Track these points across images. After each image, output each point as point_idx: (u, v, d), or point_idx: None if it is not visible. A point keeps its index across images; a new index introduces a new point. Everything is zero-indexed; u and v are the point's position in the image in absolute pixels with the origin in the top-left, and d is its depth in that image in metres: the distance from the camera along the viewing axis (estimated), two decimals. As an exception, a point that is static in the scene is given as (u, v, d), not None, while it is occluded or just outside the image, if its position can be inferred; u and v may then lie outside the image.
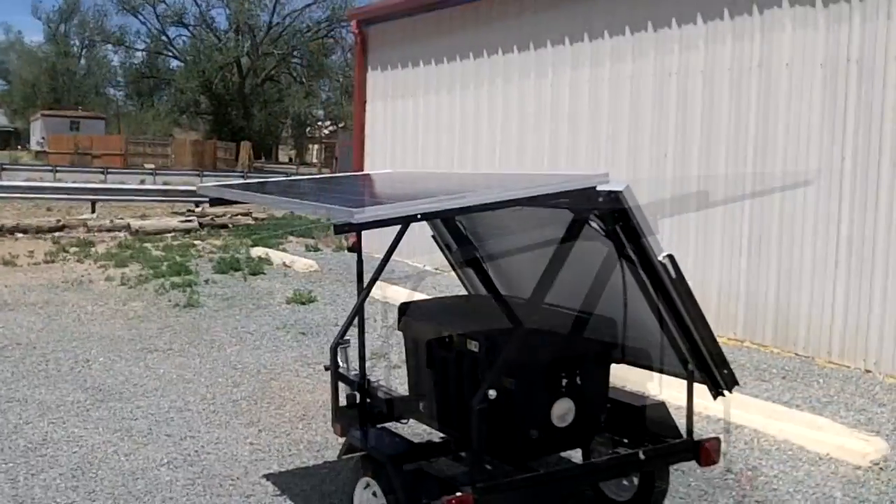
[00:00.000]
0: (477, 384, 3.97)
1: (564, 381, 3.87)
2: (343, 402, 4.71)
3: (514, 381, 3.67)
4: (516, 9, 11.12)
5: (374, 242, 13.90)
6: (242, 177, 39.79)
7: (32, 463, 5.26)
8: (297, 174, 44.33)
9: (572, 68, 10.28)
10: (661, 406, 4.35)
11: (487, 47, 11.66)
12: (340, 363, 5.04)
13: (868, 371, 7.24)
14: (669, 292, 3.85)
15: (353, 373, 4.78)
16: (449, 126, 12.53)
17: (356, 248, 16.33)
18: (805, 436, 5.56)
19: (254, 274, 12.24)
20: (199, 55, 55.79)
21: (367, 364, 4.82)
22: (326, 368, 5.13)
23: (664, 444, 4.11)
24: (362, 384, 4.88)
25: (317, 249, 15.33)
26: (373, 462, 3.84)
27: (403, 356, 4.81)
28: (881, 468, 5.19)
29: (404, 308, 4.50)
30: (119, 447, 5.56)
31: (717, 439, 4.22)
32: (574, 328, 3.95)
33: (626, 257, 3.85)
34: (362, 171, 14.69)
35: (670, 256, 3.77)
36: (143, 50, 64.14)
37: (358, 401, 4.77)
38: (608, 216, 3.72)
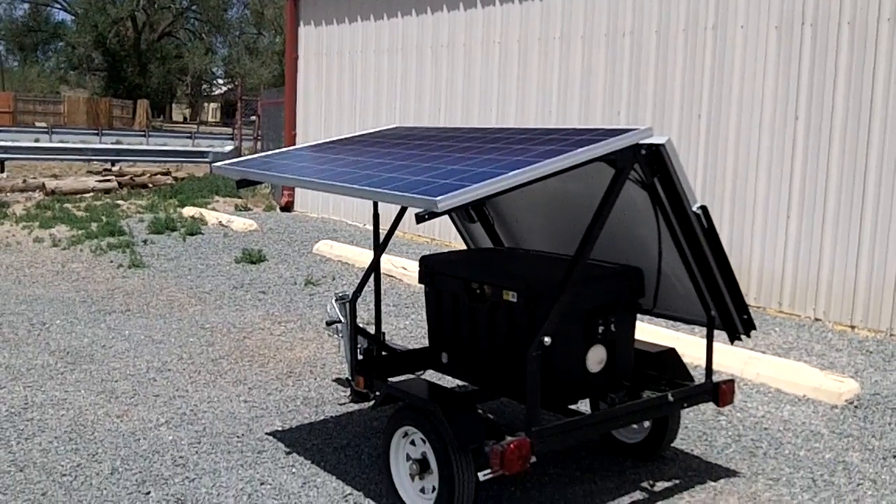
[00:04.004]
0: (514, 333, 4.05)
1: (601, 329, 3.99)
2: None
3: (557, 329, 3.76)
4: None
5: (309, 202, 13.72)
6: (144, 136, 38.48)
7: (21, 427, 5.08)
8: (197, 133, 43.14)
9: (521, 26, 10.34)
10: (674, 352, 4.52)
11: (431, 4, 11.59)
12: (342, 318, 5.06)
13: (818, 319, 7.66)
14: (700, 242, 4.00)
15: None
16: (390, 84, 12.43)
17: (289, 208, 16.03)
18: (781, 378, 5.87)
19: (191, 234, 11.96)
20: (91, 8, 53.18)
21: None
22: (328, 324, 5.14)
23: (685, 386, 4.29)
24: (378, 337, 4.92)
25: (247, 209, 15.05)
26: (414, 410, 3.86)
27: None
28: (856, 406, 5.54)
29: (427, 261, 4.52)
30: (108, 409, 5.42)
31: (732, 381, 4.43)
32: (606, 278, 4.05)
33: (661, 208, 3.97)
34: (294, 130, 14.45)
35: (703, 207, 3.92)
36: (28, 1, 60.75)
37: (376, 353, 4.80)
38: (647, 169, 3.84)
